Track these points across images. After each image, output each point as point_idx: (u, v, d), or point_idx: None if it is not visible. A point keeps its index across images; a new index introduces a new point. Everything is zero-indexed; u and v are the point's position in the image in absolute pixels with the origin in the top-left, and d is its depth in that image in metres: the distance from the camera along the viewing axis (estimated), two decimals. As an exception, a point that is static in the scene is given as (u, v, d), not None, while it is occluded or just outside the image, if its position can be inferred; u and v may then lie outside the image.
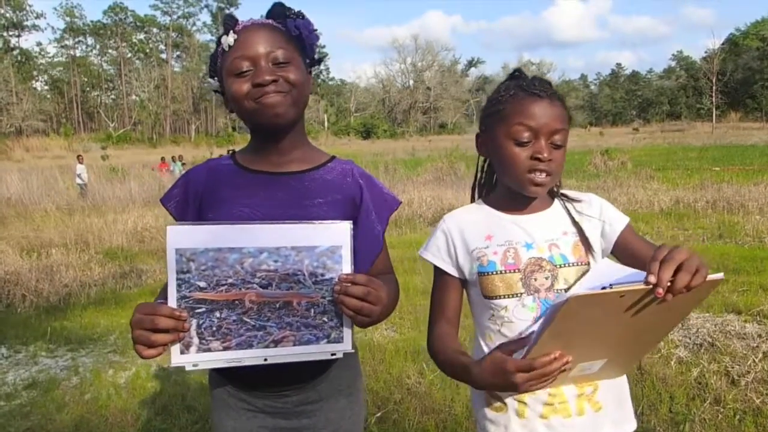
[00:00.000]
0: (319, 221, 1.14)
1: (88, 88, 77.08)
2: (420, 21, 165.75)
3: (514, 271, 1.27)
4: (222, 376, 1.31)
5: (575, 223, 1.32)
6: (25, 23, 73.38)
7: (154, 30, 78.71)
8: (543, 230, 1.32)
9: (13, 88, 60.35)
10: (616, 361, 1.18)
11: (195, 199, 1.31)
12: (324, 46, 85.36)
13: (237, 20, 1.25)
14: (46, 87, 75.03)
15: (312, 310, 1.13)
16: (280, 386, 1.28)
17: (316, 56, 1.34)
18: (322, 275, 1.12)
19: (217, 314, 1.10)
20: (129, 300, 5.61)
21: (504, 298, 1.26)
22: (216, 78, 1.32)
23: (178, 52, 79.33)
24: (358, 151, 32.22)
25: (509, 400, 1.25)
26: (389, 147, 37.43)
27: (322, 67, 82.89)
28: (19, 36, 74.38)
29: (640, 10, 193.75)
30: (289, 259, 1.10)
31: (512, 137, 1.24)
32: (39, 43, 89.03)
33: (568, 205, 1.36)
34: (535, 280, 1.26)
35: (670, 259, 0.96)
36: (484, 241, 1.31)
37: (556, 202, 1.37)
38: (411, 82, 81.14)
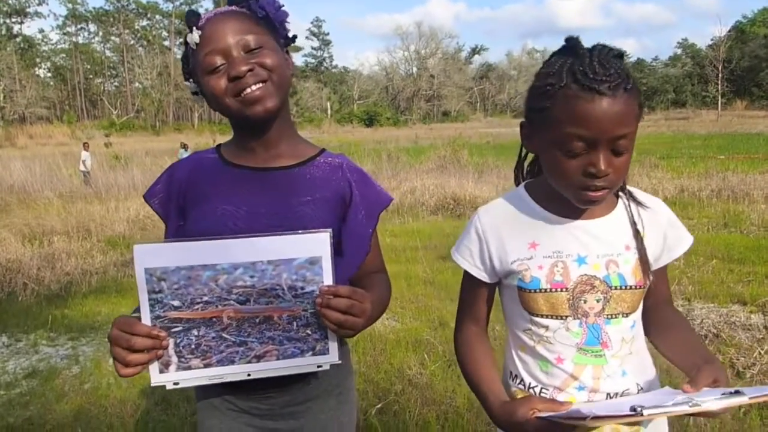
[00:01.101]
0: (296, 232, 1.07)
1: (91, 76, 76.87)
2: (423, 8, 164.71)
3: (562, 290, 1.09)
4: None
5: (637, 236, 1.11)
6: (28, 10, 73.08)
7: (157, 17, 78.30)
8: (601, 242, 1.11)
9: (16, 75, 60.23)
10: None
11: (178, 195, 1.25)
12: (328, 33, 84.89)
13: (199, 15, 1.18)
14: (49, 74, 74.88)
15: (294, 323, 1.07)
16: (265, 388, 1.22)
17: (289, 34, 1.26)
18: (302, 288, 1.06)
19: (195, 332, 1.05)
20: (130, 288, 5.59)
21: (546, 317, 1.10)
22: (192, 80, 1.24)
23: (181, 39, 78.87)
24: (360, 139, 32.11)
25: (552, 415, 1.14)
26: (392, 135, 37.29)
27: (325, 54, 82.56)
28: (21, 23, 74.14)
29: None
30: (266, 274, 1.04)
31: (562, 147, 1.00)
32: (41, 30, 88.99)
33: (634, 211, 1.14)
34: (585, 302, 1.08)
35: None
36: (527, 250, 1.12)
37: (620, 204, 1.15)
38: (414, 69, 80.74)
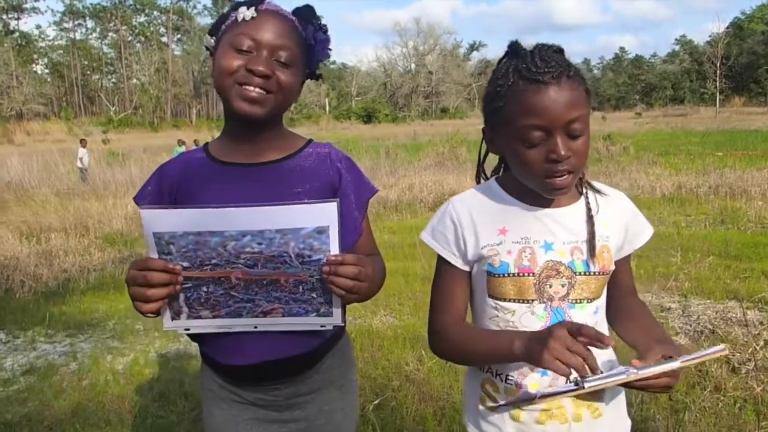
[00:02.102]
0: (303, 201, 1.10)
1: (88, 72, 76.70)
2: (420, 4, 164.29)
3: (528, 275, 1.13)
4: (212, 369, 1.28)
5: (590, 221, 1.15)
6: (25, 6, 72.90)
7: (155, 13, 78.13)
8: (567, 230, 1.15)
9: (13, 72, 60.07)
10: None
11: (170, 195, 1.25)
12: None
13: (262, 3, 1.19)
14: (46, 70, 74.73)
15: (300, 287, 1.10)
16: (272, 380, 1.25)
17: (316, 71, 1.30)
18: (309, 256, 1.07)
19: (204, 288, 1.09)
20: (128, 285, 5.58)
21: (513, 301, 1.14)
22: (215, 38, 1.24)
23: (178, 36, 78.81)
24: (359, 136, 32.11)
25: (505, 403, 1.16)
26: (391, 131, 37.27)
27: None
28: (18, 19, 74.02)
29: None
30: (273, 242, 1.05)
31: (521, 140, 1.07)
32: (38, 26, 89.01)
33: (591, 199, 1.18)
34: (550, 287, 1.13)
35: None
36: (497, 235, 1.15)
37: (583, 194, 1.19)
38: (413, 65, 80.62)
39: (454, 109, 74.48)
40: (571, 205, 1.17)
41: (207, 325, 1.12)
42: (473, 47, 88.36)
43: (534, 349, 0.98)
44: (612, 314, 1.22)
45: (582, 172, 1.16)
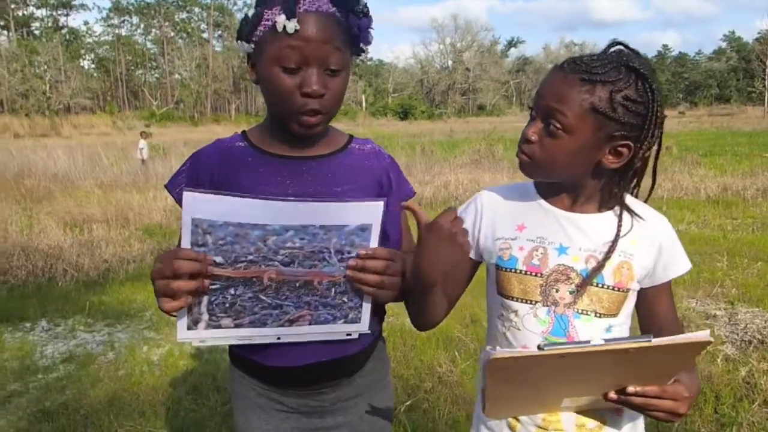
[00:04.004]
0: (351, 199, 1.09)
1: (132, 67, 78.57)
2: (455, 1, 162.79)
3: (536, 275, 1.10)
4: (250, 374, 1.22)
5: (615, 238, 1.09)
6: (74, 2, 75.10)
7: (196, 9, 79.49)
8: (586, 237, 1.11)
9: (61, 67, 61.92)
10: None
11: (208, 183, 1.18)
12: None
13: (298, 2, 1.06)
14: (92, 65, 76.85)
15: (333, 290, 1.08)
16: (320, 384, 1.21)
17: (363, 49, 1.21)
18: (349, 253, 1.06)
19: (232, 291, 1.03)
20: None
21: (517, 300, 1.11)
22: (248, 43, 1.12)
23: (219, 32, 80.00)
24: (395, 132, 32.04)
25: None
26: (426, 128, 37.11)
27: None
28: (67, 15, 76.32)
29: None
30: (316, 238, 1.03)
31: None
32: (86, 22, 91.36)
33: (625, 217, 1.12)
34: (557, 291, 1.09)
35: (669, 396, 0.92)
36: (513, 230, 1.15)
37: (616, 208, 1.14)
38: (450, 62, 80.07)
39: (491, 106, 73.72)
40: (597, 214, 1.13)
41: (226, 335, 1.06)
42: (511, 44, 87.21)
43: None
44: None
45: (615, 190, 1.11)
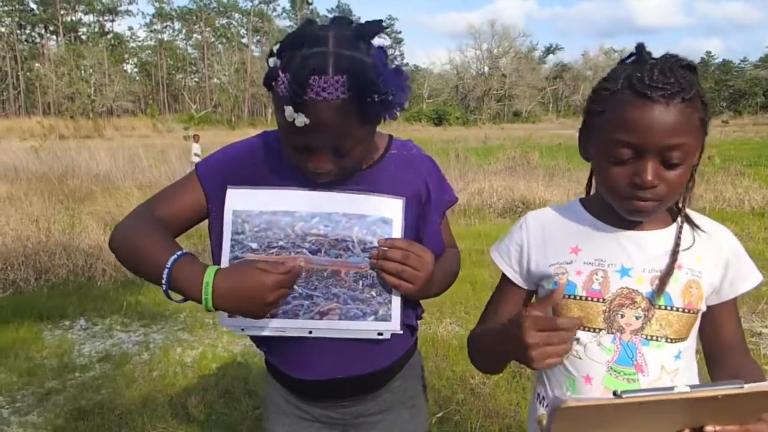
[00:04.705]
0: (372, 193, 1.11)
1: (173, 71, 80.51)
2: (493, 7, 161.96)
3: (598, 300, 1.02)
4: (278, 381, 1.24)
5: (675, 251, 1.02)
6: (119, 8, 77.38)
7: (236, 15, 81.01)
8: (649, 256, 1.03)
9: (106, 70, 63.79)
10: None
11: (237, 178, 1.13)
12: (400, 32, 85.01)
13: (306, 88, 0.94)
14: (135, 69, 78.99)
15: (360, 282, 1.09)
16: (342, 397, 1.20)
17: (397, 112, 1.04)
18: (371, 243, 1.09)
19: None
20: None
21: (579, 328, 1.03)
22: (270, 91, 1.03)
23: (258, 37, 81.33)
24: (429, 138, 31.95)
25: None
26: (461, 134, 36.90)
27: (396, 53, 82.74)
28: (113, 21, 78.69)
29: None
30: (339, 225, 1.09)
31: (609, 154, 0.96)
32: (130, 28, 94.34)
33: (685, 230, 1.05)
34: (622, 317, 1.01)
35: None
36: (568, 254, 1.07)
37: (677, 223, 1.07)
38: (486, 68, 79.62)
39: (527, 112, 72.97)
40: (659, 230, 1.05)
41: (262, 326, 1.11)
42: (549, 50, 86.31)
43: (513, 346, 0.92)
44: (713, 373, 1.08)
45: (682, 198, 1.04)
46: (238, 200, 1.09)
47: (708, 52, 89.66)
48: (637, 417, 0.82)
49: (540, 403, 1.12)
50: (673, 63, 0.94)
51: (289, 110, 0.96)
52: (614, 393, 0.77)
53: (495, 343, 1.02)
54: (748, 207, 8.98)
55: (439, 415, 2.89)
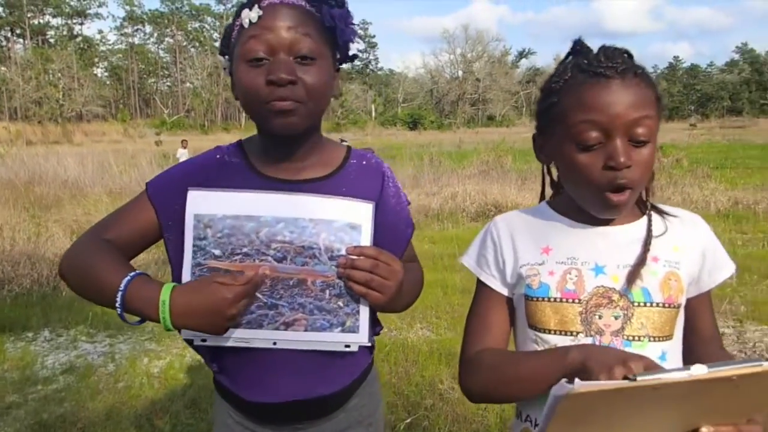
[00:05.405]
0: (340, 197, 1.07)
1: (145, 75, 79.47)
2: (467, 11, 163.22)
3: (573, 301, 0.97)
4: (228, 401, 1.19)
5: (647, 241, 0.99)
6: (88, 11, 76.12)
7: (209, 19, 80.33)
8: (623, 251, 0.99)
9: (75, 74, 62.65)
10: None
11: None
12: (374, 36, 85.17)
13: None
14: (105, 73, 77.72)
15: (327, 292, 1.05)
16: (301, 420, 1.15)
17: (349, 53, 1.13)
18: (339, 250, 1.04)
19: None
20: (169, 287, 5.66)
21: (554, 333, 0.98)
22: (227, 57, 1.11)
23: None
24: (404, 142, 32.02)
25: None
26: (436, 138, 37.07)
27: (371, 56, 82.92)
28: (82, 24, 77.35)
29: (698, 1, 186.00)
30: (305, 231, 1.04)
31: (574, 140, 0.93)
32: (100, 31, 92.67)
33: (654, 217, 1.03)
34: (600, 317, 0.96)
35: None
36: (539, 254, 1.03)
37: (646, 216, 1.04)
38: (460, 72, 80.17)
39: (500, 116, 73.66)
40: (629, 224, 1.02)
41: (225, 336, 1.05)
42: (522, 54, 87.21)
43: (598, 358, 0.81)
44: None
45: (645, 190, 1.03)
46: (200, 203, 1.03)
47: (676, 57, 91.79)
48: (647, 407, 0.76)
49: (518, 418, 1.08)
50: (614, 49, 0.95)
51: (245, 12, 1.01)
52: (626, 377, 0.73)
53: (529, 381, 0.93)
54: (714, 209, 9.19)
55: (408, 421, 2.89)
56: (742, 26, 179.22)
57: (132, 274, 1.01)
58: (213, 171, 1.13)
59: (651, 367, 0.78)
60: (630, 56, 0.96)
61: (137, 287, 0.99)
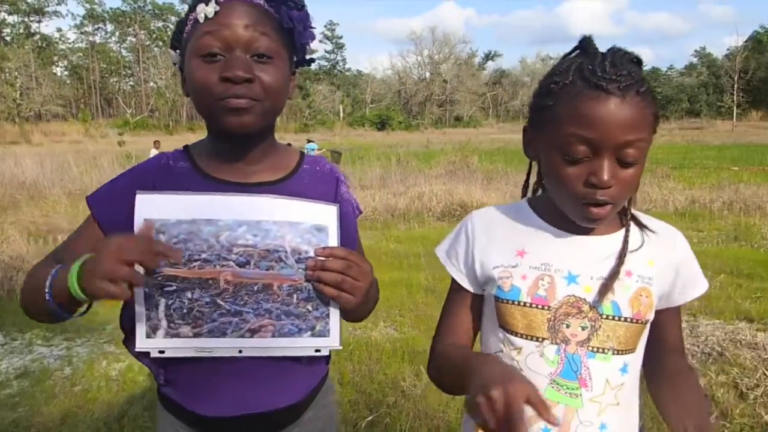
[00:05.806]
0: (304, 199, 1.04)
1: (107, 75, 77.68)
2: (434, 13, 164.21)
3: (543, 308, 0.97)
4: (174, 413, 1.12)
5: (621, 255, 0.98)
6: (46, 9, 74.02)
7: (172, 18, 78.96)
8: (598, 262, 0.98)
9: (33, 73, 60.88)
10: None
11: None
12: (341, 37, 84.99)
13: None
14: (65, 72, 75.75)
15: (295, 296, 1.00)
16: None
17: (306, 56, 1.12)
18: (306, 252, 1.00)
19: (189, 294, 0.97)
20: (130, 289, 5.56)
21: (521, 336, 0.98)
22: (178, 51, 1.07)
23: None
24: (372, 143, 32.08)
25: None
26: (404, 139, 37.25)
27: (338, 57, 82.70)
28: (39, 21, 75.09)
29: (658, 7, 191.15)
30: (269, 234, 0.99)
31: (562, 151, 0.91)
32: (59, 29, 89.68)
33: (632, 230, 1.02)
34: (567, 326, 0.96)
35: None
36: (513, 257, 1.01)
37: (626, 227, 1.03)
38: (427, 74, 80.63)
39: (468, 117, 74.35)
40: (608, 235, 1.01)
41: (185, 346, 0.99)
42: (488, 57, 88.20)
43: (475, 385, 0.82)
44: (649, 374, 1.06)
45: (626, 203, 1.00)
46: (150, 207, 0.95)
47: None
48: None
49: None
50: (622, 56, 0.91)
51: (200, 7, 0.99)
52: None
53: (457, 378, 0.95)
54: (672, 208, 9.46)
55: (369, 418, 2.90)
56: (700, 31, 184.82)
57: (59, 266, 0.96)
58: (159, 177, 1.08)
59: (532, 400, 0.78)
60: (639, 63, 0.93)
61: (62, 272, 0.95)
